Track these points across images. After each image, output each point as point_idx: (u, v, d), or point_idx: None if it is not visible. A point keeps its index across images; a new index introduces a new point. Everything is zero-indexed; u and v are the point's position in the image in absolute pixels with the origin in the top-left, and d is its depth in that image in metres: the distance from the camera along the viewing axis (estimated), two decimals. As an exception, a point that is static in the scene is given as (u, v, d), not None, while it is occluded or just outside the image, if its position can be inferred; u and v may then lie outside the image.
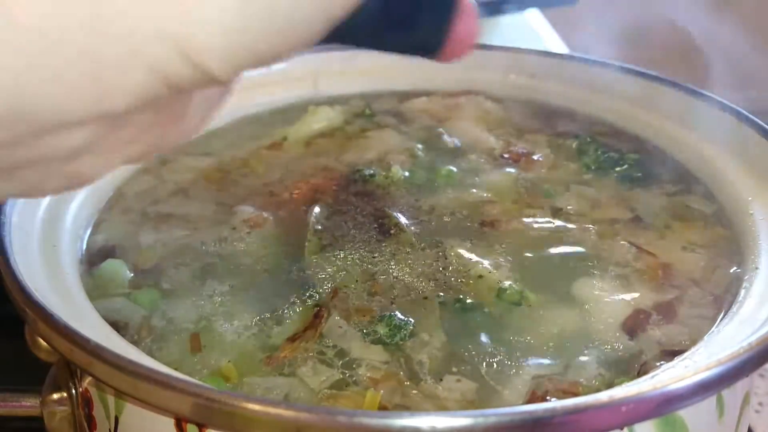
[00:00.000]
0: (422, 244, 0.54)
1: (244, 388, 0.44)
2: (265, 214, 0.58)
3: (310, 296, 0.50)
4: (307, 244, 0.55)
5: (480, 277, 0.51)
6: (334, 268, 0.52)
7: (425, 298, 0.50)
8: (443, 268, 0.52)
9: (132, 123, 0.27)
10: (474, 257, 0.53)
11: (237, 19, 0.24)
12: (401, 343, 0.46)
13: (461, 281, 0.51)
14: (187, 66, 0.25)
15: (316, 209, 0.58)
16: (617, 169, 0.64)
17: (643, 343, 0.47)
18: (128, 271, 0.53)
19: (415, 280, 0.51)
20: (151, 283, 0.52)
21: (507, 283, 0.50)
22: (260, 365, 0.45)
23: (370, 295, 0.50)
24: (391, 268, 0.52)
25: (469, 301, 0.49)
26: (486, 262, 0.52)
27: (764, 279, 0.47)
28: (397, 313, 0.48)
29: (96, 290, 0.51)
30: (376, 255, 0.53)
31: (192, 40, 0.24)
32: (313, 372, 0.44)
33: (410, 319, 0.47)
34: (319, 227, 0.56)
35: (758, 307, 0.45)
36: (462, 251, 0.53)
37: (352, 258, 0.53)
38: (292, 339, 0.47)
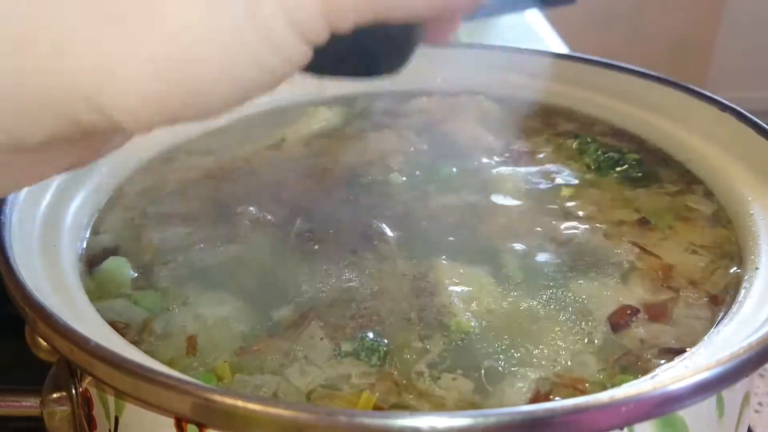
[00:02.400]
0: (407, 258, 0.53)
1: (233, 385, 0.44)
2: (265, 215, 0.58)
3: (297, 301, 0.50)
4: (292, 250, 0.54)
5: (455, 316, 0.48)
6: (316, 278, 0.51)
7: (406, 319, 0.48)
8: (423, 290, 0.50)
9: (47, 151, 0.30)
10: (456, 278, 0.51)
11: (153, 85, 0.26)
12: (379, 363, 0.45)
13: (440, 314, 0.49)
14: (100, 117, 0.27)
15: (299, 218, 0.57)
16: (617, 169, 0.64)
17: (639, 342, 0.47)
18: (131, 270, 0.53)
19: (391, 301, 0.49)
20: (152, 283, 0.52)
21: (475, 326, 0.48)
22: (233, 355, 0.46)
23: (346, 309, 0.49)
24: (371, 283, 0.51)
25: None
26: (464, 291, 0.50)
27: (764, 279, 0.47)
28: (369, 334, 0.47)
29: (97, 290, 0.51)
30: (359, 267, 0.52)
31: (105, 98, 0.26)
32: (299, 373, 0.44)
33: (384, 339, 0.46)
34: (305, 234, 0.56)
35: (758, 307, 0.45)
36: (446, 269, 0.52)
37: (335, 268, 0.52)
38: (271, 335, 0.47)
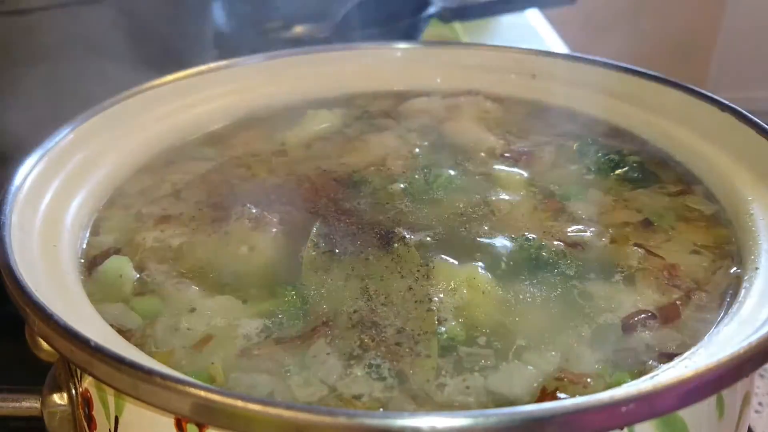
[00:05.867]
0: (410, 261, 0.53)
1: (228, 384, 0.44)
2: (265, 217, 0.58)
3: (306, 310, 0.49)
4: (304, 257, 0.54)
5: (456, 320, 0.48)
6: (329, 287, 0.51)
7: (422, 333, 0.47)
8: (427, 295, 0.50)
9: None
10: (459, 280, 0.51)
11: None
12: (389, 378, 0.44)
13: (444, 318, 0.48)
14: None
15: (316, 224, 0.57)
16: (617, 171, 0.64)
17: (642, 342, 0.47)
18: (132, 271, 0.53)
19: (398, 309, 0.49)
20: (152, 286, 0.52)
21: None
22: (235, 358, 0.46)
23: (353, 320, 0.48)
24: (374, 289, 0.50)
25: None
26: (467, 293, 0.50)
27: (764, 279, 0.47)
28: (379, 363, 0.45)
29: (98, 291, 0.51)
30: (363, 271, 0.52)
31: None
32: (304, 383, 0.44)
33: (392, 366, 0.45)
34: (317, 240, 0.55)
35: (758, 307, 0.45)
36: (448, 272, 0.51)
37: (346, 278, 0.52)
38: (277, 341, 0.47)
